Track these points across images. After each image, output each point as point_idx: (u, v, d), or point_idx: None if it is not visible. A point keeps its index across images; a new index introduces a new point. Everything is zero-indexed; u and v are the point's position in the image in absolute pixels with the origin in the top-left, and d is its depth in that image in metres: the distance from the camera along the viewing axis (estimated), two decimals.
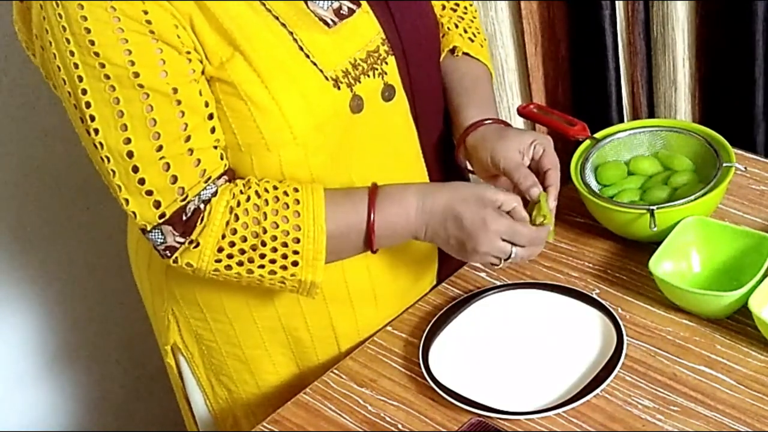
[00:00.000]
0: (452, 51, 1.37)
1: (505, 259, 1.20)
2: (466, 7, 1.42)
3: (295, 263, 1.18)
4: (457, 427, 1.19)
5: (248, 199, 1.16)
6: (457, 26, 1.39)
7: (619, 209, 1.35)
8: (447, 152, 1.38)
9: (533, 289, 1.33)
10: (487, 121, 1.31)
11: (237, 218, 1.16)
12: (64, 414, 2.05)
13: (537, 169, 1.26)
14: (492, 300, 1.33)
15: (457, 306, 1.32)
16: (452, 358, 1.27)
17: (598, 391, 1.19)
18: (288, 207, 1.17)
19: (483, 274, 1.40)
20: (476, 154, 1.29)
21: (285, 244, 1.17)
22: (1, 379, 1.93)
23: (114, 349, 2.08)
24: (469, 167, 1.35)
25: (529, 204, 1.23)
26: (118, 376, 2.10)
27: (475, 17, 1.43)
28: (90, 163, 1.18)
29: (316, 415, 1.25)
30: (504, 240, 1.19)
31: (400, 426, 1.21)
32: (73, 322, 1.99)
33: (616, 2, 1.98)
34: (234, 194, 1.17)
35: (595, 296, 1.31)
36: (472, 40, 1.39)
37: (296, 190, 1.18)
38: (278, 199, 1.17)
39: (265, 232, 1.16)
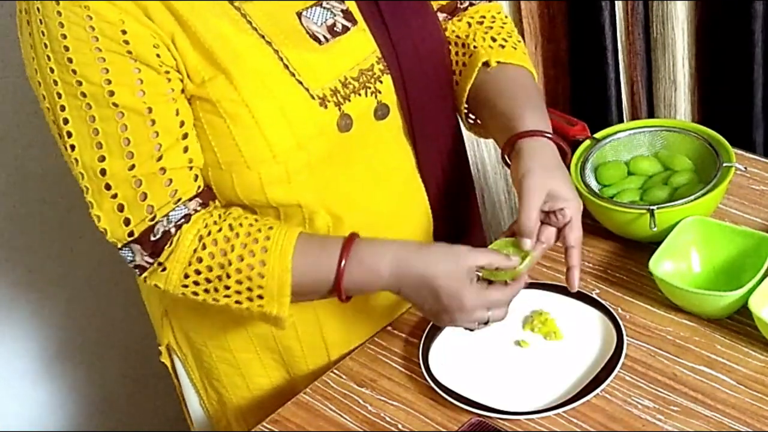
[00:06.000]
0: (485, 65, 1.30)
1: (483, 323, 1.19)
2: (494, 16, 1.36)
3: (260, 296, 1.17)
4: (457, 427, 1.19)
5: (220, 230, 1.16)
6: (484, 39, 1.33)
7: (619, 209, 1.35)
8: (447, 171, 1.35)
9: (533, 289, 1.33)
10: (547, 134, 1.23)
11: (204, 247, 1.15)
12: (65, 414, 2.05)
13: (560, 236, 1.20)
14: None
15: None
16: (452, 358, 1.27)
17: (598, 391, 1.19)
18: (257, 242, 1.16)
19: None
20: (518, 161, 1.20)
21: (249, 278, 1.16)
22: (1, 378, 1.93)
23: (114, 350, 2.07)
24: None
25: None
26: (118, 377, 2.10)
27: (505, 22, 1.37)
28: None
29: (316, 415, 1.25)
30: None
31: (400, 426, 1.21)
32: (74, 322, 1.99)
33: (616, 2, 1.98)
34: (207, 224, 1.16)
35: (595, 296, 1.31)
36: (503, 46, 1.32)
37: (271, 228, 1.17)
38: (249, 234, 1.16)
39: (230, 264, 1.15)
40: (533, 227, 1.16)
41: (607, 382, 1.19)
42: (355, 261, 1.16)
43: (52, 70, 1.10)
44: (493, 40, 1.33)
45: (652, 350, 1.24)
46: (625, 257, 1.39)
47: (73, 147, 1.12)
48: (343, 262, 1.16)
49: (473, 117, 1.35)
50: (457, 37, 1.35)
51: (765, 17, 1.84)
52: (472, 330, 1.21)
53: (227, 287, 1.16)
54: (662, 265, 1.29)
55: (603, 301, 1.30)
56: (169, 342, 1.38)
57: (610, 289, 1.34)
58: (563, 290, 1.32)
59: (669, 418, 1.16)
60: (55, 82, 1.10)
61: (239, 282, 1.16)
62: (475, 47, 1.32)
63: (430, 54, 1.28)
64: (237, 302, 1.18)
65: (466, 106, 1.34)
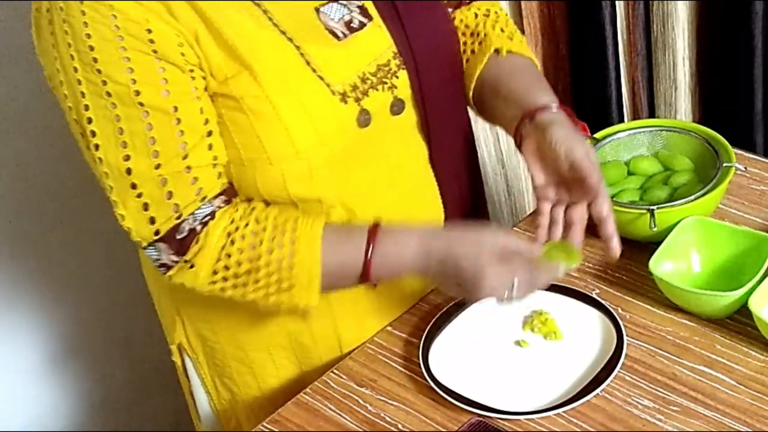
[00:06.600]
0: (497, 52, 1.33)
1: (509, 292, 1.17)
2: (497, 12, 1.39)
3: (289, 288, 1.17)
4: (457, 427, 1.19)
5: (246, 224, 1.16)
6: (494, 28, 1.36)
7: (619, 209, 1.35)
8: (459, 168, 1.37)
9: None
10: (551, 107, 1.25)
11: (233, 242, 1.16)
12: (67, 413, 2.06)
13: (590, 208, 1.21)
14: (492, 300, 1.33)
15: (457, 306, 1.32)
16: (452, 358, 1.27)
17: (598, 391, 1.19)
18: (285, 234, 1.16)
19: None
20: (544, 132, 1.20)
21: (279, 270, 1.16)
22: (4, 378, 1.93)
23: (116, 349, 2.08)
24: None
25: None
26: (120, 376, 2.10)
27: (508, 21, 1.40)
28: None
29: (316, 415, 1.25)
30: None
31: (400, 426, 1.21)
32: (76, 321, 1.99)
33: (616, 2, 1.98)
34: (233, 219, 1.17)
35: (595, 296, 1.31)
36: (512, 39, 1.36)
37: (296, 220, 1.18)
38: (276, 227, 1.17)
39: (259, 257, 1.16)
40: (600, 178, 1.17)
41: (607, 382, 1.19)
42: (380, 252, 1.17)
43: (75, 70, 1.10)
44: (502, 31, 1.36)
45: (652, 350, 1.24)
46: (625, 257, 1.38)
47: (96, 146, 1.12)
48: (369, 254, 1.17)
49: (477, 102, 1.36)
50: (466, 26, 1.37)
51: (765, 17, 1.85)
52: (501, 299, 1.18)
53: (257, 281, 1.17)
54: (662, 265, 1.29)
55: (603, 301, 1.30)
56: (181, 342, 1.38)
57: (610, 289, 1.34)
58: (563, 290, 1.32)
59: (669, 418, 1.16)
60: (79, 82, 1.10)
61: (269, 275, 1.17)
62: (485, 35, 1.35)
63: (443, 48, 1.30)
64: (266, 295, 1.18)
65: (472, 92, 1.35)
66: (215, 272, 1.17)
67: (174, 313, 1.37)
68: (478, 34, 1.35)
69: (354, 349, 1.33)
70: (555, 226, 1.22)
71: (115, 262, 1.98)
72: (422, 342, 1.28)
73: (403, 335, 1.33)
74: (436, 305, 1.36)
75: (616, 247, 1.20)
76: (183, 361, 1.41)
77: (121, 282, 1.99)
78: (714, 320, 1.27)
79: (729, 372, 1.20)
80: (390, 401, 1.24)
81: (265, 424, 1.25)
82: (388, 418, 1.22)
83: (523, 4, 2.03)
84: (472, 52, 1.35)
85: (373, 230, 1.18)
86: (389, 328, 1.35)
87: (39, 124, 1.80)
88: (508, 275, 1.15)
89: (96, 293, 2.00)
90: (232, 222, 1.16)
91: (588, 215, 1.21)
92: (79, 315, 1.99)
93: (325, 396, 1.27)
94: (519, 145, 1.25)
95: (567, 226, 1.21)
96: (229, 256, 1.16)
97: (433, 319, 1.31)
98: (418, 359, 1.26)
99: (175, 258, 1.16)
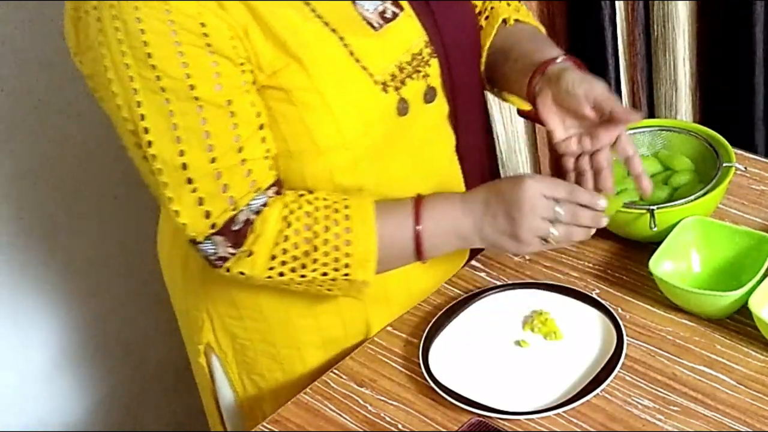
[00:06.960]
0: (504, 22, 1.37)
1: (552, 221, 1.18)
2: None
3: (347, 265, 1.19)
4: (457, 427, 1.19)
5: (300, 207, 1.18)
6: (500, 1, 1.39)
7: (619, 209, 1.35)
8: (482, 157, 1.39)
9: (533, 289, 1.33)
10: (559, 59, 1.27)
11: (289, 225, 1.17)
12: (70, 413, 2.06)
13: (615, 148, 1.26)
14: (492, 300, 1.33)
15: (457, 306, 1.32)
16: (452, 358, 1.27)
17: (598, 391, 1.19)
18: (338, 212, 1.18)
19: (483, 274, 1.40)
20: (558, 81, 1.23)
21: (336, 248, 1.18)
22: (13, 379, 1.93)
23: (124, 350, 2.08)
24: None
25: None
26: (123, 377, 2.10)
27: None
28: (106, 165, 1.18)
29: (316, 415, 1.25)
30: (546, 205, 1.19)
31: (400, 426, 1.21)
32: (80, 322, 1.99)
33: (616, 2, 1.98)
34: (286, 204, 1.18)
35: (595, 296, 1.31)
36: (518, 11, 1.40)
37: (346, 198, 1.20)
38: (328, 207, 1.19)
39: (316, 236, 1.17)
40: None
41: (607, 382, 1.19)
42: (428, 205, 1.21)
43: (127, 66, 1.09)
44: (508, 4, 1.40)
45: (652, 350, 1.24)
46: (625, 257, 1.39)
47: (150, 143, 1.12)
48: (419, 219, 1.20)
49: (488, 72, 1.38)
50: (474, 5, 1.39)
51: (766, 18, 1.85)
52: (546, 239, 1.20)
53: (315, 260, 1.18)
54: (662, 265, 1.29)
55: (603, 301, 1.30)
56: (209, 341, 1.38)
57: (610, 289, 1.34)
58: (563, 290, 1.32)
59: (669, 418, 1.16)
60: (131, 78, 1.10)
61: (326, 254, 1.18)
62: (492, 8, 1.38)
63: (469, 37, 1.33)
64: (324, 274, 1.19)
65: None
66: (273, 257, 1.18)
67: (202, 312, 1.37)
68: (485, 10, 1.39)
69: (355, 347, 1.33)
70: (584, 176, 1.25)
71: (123, 266, 1.98)
72: (422, 342, 1.28)
73: (403, 335, 1.34)
74: (436, 305, 1.36)
75: (647, 184, 1.24)
76: (209, 361, 1.41)
77: (129, 285, 1.99)
78: (714, 320, 1.27)
79: (729, 372, 1.20)
80: (390, 401, 1.24)
81: (265, 424, 1.25)
82: (388, 418, 1.22)
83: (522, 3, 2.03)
84: (481, 27, 1.38)
85: (419, 199, 1.22)
86: (389, 328, 1.35)
87: (45, 125, 1.80)
88: (552, 200, 1.18)
89: (100, 295, 2.00)
90: (286, 206, 1.18)
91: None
92: (83, 317, 1.99)
93: (325, 396, 1.27)
94: (533, 103, 1.27)
95: (596, 173, 1.24)
96: (286, 239, 1.17)
97: (433, 319, 1.31)
98: (418, 359, 1.26)
99: (232, 250, 1.17)
